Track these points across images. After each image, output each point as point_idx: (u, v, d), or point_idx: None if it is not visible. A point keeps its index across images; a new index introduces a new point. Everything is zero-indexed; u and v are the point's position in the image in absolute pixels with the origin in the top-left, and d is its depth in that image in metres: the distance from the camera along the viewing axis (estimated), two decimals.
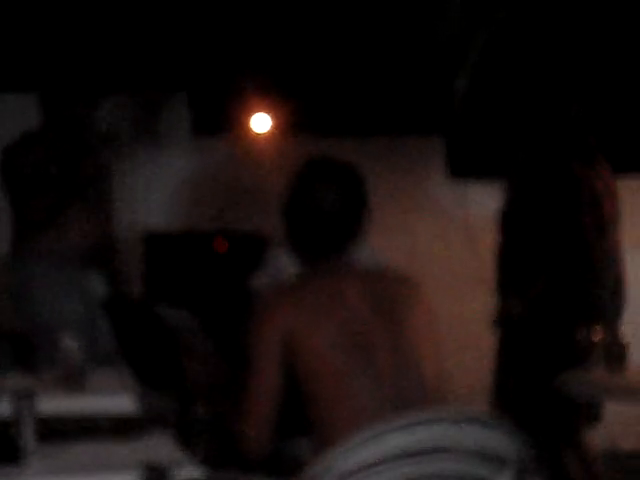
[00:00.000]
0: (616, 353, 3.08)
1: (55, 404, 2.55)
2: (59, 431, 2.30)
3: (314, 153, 2.76)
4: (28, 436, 2.15)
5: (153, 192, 4.81)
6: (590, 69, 4.44)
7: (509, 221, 3.61)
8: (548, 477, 3.57)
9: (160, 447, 2.21)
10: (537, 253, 3.48)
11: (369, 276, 2.30)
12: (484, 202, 4.94)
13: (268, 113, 4.72)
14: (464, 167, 4.93)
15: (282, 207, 2.30)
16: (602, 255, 3.49)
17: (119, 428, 2.33)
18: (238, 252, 4.32)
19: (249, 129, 4.75)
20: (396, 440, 1.91)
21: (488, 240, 4.93)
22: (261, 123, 4.73)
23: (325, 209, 2.23)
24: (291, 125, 4.68)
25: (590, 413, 3.53)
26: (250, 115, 4.71)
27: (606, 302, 3.50)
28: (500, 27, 4.10)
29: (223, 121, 4.72)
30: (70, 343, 3.00)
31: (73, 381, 2.80)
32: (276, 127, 4.74)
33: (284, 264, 3.40)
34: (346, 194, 2.25)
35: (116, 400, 2.72)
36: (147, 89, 4.75)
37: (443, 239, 4.93)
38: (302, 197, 2.26)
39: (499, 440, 1.96)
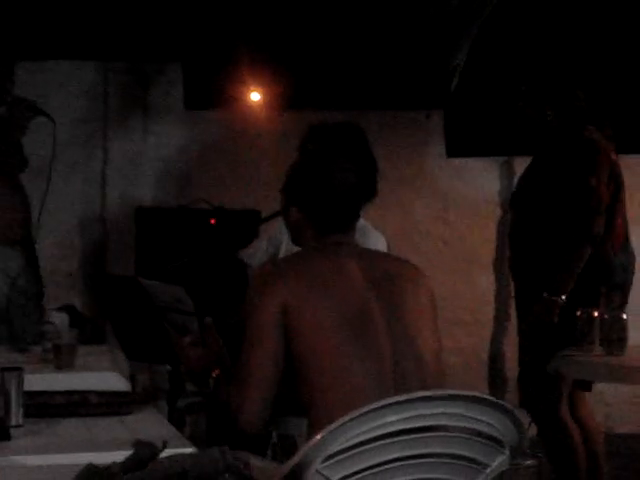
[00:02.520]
0: (615, 333, 3.07)
1: (43, 380, 2.53)
2: (47, 407, 2.27)
3: (307, 128, 2.71)
4: (15, 412, 2.13)
5: (144, 165, 4.78)
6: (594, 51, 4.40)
7: (525, 199, 3.57)
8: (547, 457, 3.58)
9: (150, 424, 2.20)
10: (551, 230, 3.45)
11: (369, 255, 2.29)
12: (481, 180, 4.93)
13: (262, 87, 4.67)
14: (462, 145, 4.90)
15: (291, 180, 2.26)
16: (617, 233, 3.47)
17: (108, 405, 2.31)
18: (230, 226, 4.29)
19: (242, 103, 4.71)
20: (389, 419, 1.89)
21: (485, 219, 4.94)
22: (254, 97, 4.69)
23: (341, 183, 2.20)
24: (284, 99, 4.64)
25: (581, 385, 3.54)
26: (243, 89, 4.67)
27: (611, 281, 3.48)
28: (501, 2, 4.05)
29: (215, 94, 4.67)
30: (59, 318, 2.97)
31: (62, 357, 2.78)
32: (269, 101, 4.69)
33: (276, 238, 3.37)
34: (361, 165, 2.22)
35: (106, 376, 2.70)
36: (142, 59, 4.71)
37: (440, 217, 4.92)
38: (316, 172, 2.22)
39: (495, 421, 1.94)
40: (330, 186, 2.20)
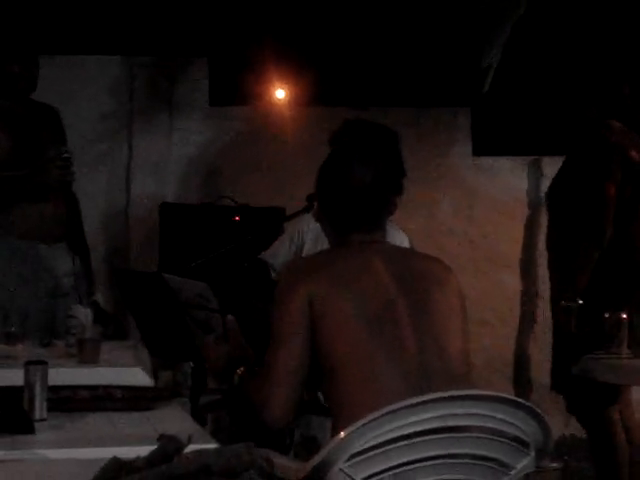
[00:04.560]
0: None
1: (67, 374, 2.54)
2: (71, 402, 2.27)
3: (333, 125, 2.70)
4: (39, 406, 2.13)
5: (169, 161, 4.78)
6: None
7: (560, 198, 3.54)
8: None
9: (174, 420, 2.19)
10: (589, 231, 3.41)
11: (397, 253, 2.28)
12: (508, 179, 4.90)
13: (287, 84, 4.67)
14: (489, 144, 4.87)
15: (320, 178, 2.25)
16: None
17: (132, 400, 2.31)
18: (255, 223, 4.29)
19: (267, 100, 4.70)
20: (413, 418, 1.88)
21: (512, 218, 4.90)
22: (280, 94, 4.68)
23: (366, 181, 2.20)
24: (309, 96, 4.63)
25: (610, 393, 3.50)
26: (268, 85, 4.66)
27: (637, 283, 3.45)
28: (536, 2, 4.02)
29: (240, 91, 4.67)
30: (83, 313, 2.98)
31: (86, 352, 2.78)
32: (295, 98, 4.69)
33: (298, 238, 3.36)
34: (386, 165, 2.21)
35: (129, 372, 2.70)
36: (168, 55, 4.71)
37: (466, 216, 4.89)
38: (335, 170, 2.21)
39: (521, 422, 1.92)
40: (346, 185, 2.19)
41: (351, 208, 2.20)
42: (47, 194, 3.52)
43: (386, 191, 2.23)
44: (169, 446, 1.44)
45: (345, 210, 2.20)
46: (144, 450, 1.58)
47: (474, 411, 1.92)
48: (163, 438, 1.48)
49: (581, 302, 3.29)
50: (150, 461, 1.44)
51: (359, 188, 2.18)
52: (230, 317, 2.32)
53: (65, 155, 3.46)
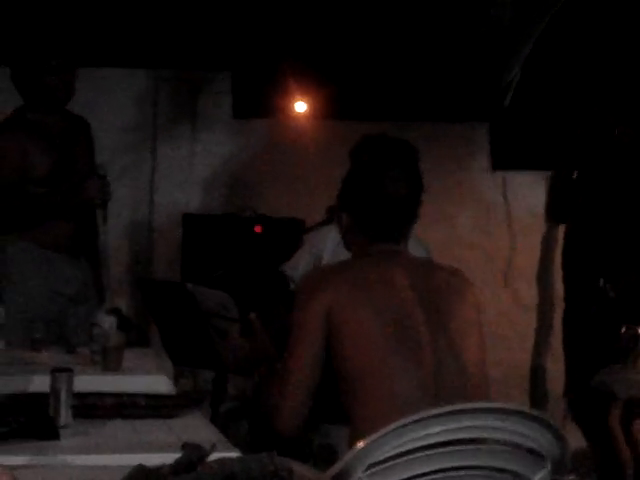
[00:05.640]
0: None
1: (91, 381, 2.57)
2: (96, 408, 2.31)
3: (352, 138, 2.73)
4: (64, 413, 2.16)
5: (192, 173, 4.82)
6: None
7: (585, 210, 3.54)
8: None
9: (196, 427, 2.22)
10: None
11: (418, 265, 2.29)
12: (527, 193, 4.91)
13: (308, 97, 4.70)
14: (508, 158, 4.88)
15: (346, 190, 2.28)
16: None
17: (155, 407, 2.34)
18: (275, 234, 4.32)
19: (288, 112, 4.73)
20: (431, 430, 1.89)
21: (530, 232, 4.91)
22: (301, 107, 4.71)
23: (392, 193, 2.23)
24: (330, 109, 4.66)
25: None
26: (289, 99, 4.70)
27: None
28: (556, 18, 4.03)
29: (263, 104, 4.70)
30: (108, 321, 3.02)
31: (110, 359, 2.82)
32: (315, 111, 4.72)
33: (318, 249, 3.39)
34: (411, 178, 2.25)
35: (152, 379, 2.73)
36: (192, 68, 4.75)
37: (484, 230, 4.90)
38: (368, 181, 2.24)
39: (538, 435, 1.94)
40: (382, 195, 2.22)
41: (386, 218, 2.23)
42: (78, 210, 3.57)
43: (417, 203, 2.27)
44: (193, 454, 1.47)
45: (380, 220, 2.23)
46: (167, 457, 1.61)
47: (491, 423, 1.93)
48: (187, 446, 1.51)
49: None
50: (175, 469, 1.47)
51: (395, 199, 2.22)
52: (252, 315, 2.35)
53: (102, 173, 3.51)
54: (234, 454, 1.79)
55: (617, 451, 3.42)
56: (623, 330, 3.11)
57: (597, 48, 4.38)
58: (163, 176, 4.79)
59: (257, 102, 4.73)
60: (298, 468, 2.01)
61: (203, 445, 1.55)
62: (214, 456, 1.58)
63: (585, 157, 3.62)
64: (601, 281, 3.40)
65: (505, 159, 4.89)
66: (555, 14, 4.11)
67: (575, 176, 3.65)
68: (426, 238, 3.34)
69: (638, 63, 4.16)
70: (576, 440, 4.03)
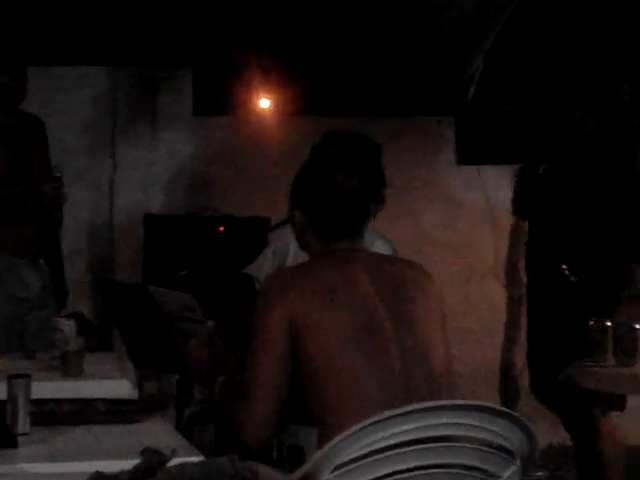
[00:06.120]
0: (628, 343, 3.04)
1: (51, 387, 2.52)
2: (55, 415, 2.26)
3: (318, 134, 2.70)
4: (22, 420, 2.11)
5: (153, 173, 4.78)
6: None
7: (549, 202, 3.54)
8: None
9: (158, 432, 2.18)
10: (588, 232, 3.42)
11: (377, 261, 2.28)
12: (493, 188, 4.91)
13: (272, 94, 4.67)
14: (474, 152, 4.88)
15: (298, 187, 2.25)
16: None
17: (116, 413, 2.29)
18: (239, 233, 4.28)
19: (251, 109, 4.70)
20: (399, 429, 1.87)
21: (497, 227, 4.91)
22: (263, 103, 4.68)
23: (343, 188, 2.20)
24: (294, 105, 4.63)
25: (610, 403, 3.49)
26: (253, 95, 4.66)
27: (631, 291, 3.46)
28: (518, 10, 4.03)
29: (225, 101, 4.67)
30: (67, 326, 2.96)
31: (70, 365, 2.77)
32: (279, 108, 4.69)
33: (283, 249, 3.36)
34: (365, 173, 2.22)
35: (113, 384, 2.69)
36: (151, 65, 4.71)
37: (451, 225, 4.90)
38: (320, 176, 2.21)
39: (507, 432, 1.92)
40: (332, 190, 2.20)
41: (339, 214, 2.20)
42: (34, 213, 3.52)
43: (369, 199, 2.24)
44: (152, 459, 1.43)
45: (333, 216, 2.21)
46: (127, 464, 1.58)
47: (459, 421, 1.91)
48: (146, 452, 1.47)
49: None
50: (133, 475, 1.43)
51: (346, 195, 2.19)
52: (210, 322, 2.32)
53: (58, 174, 3.46)
54: (197, 458, 1.75)
55: (599, 448, 3.42)
56: (591, 323, 3.11)
57: (558, 39, 4.39)
58: (123, 176, 4.74)
59: (219, 99, 4.70)
60: (265, 471, 1.98)
61: (163, 450, 1.51)
62: (176, 461, 1.54)
63: (550, 149, 3.62)
64: (563, 267, 3.41)
65: (471, 153, 4.89)
66: (517, 6, 4.12)
67: (541, 171, 3.64)
68: (392, 234, 3.31)
69: (599, 51, 4.18)
70: (547, 436, 4.04)
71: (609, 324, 3.08)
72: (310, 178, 2.24)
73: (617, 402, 3.48)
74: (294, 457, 2.96)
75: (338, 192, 2.19)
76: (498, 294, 4.90)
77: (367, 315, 2.12)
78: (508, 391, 4.88)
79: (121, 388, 2.66)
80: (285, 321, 2.10)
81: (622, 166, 3.45)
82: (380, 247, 3.13)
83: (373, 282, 2.16)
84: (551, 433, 3.70)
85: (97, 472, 1.49)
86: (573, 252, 3.45)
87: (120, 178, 4.75)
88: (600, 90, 3.52)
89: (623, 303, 3.41)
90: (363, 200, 2.23)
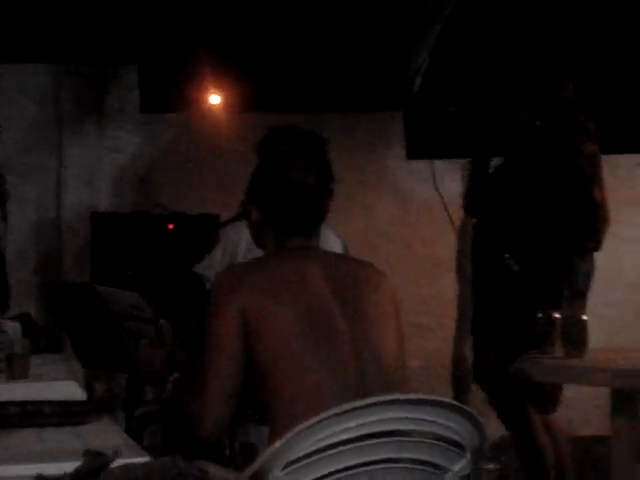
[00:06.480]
0: (575, 335, 3.07)
1: None
2: (0, 418, 2.21)
3: (268, 131, 2.68)
4: None
5: (101, 170, 4.72)
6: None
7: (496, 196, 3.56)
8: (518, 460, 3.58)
9: (105, 433, 2.15)
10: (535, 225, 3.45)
11: (331, 259, 2.27)
12: (443, 182, 4.93)
13: (221, 89, 4.64)
14: (423, 147, 4.90)
15: (254, 184, 2.23)
16: (603, 235, 3.48)
17: (62, 415, 2.25)
18: (188, 231, 4.25)
19: (201, 105, 4.66)
20: (349, 424, 1.86)
21: (447, 221, 4.93)
22: (213, 99, 4.65)
23: (301, 185, 2.20)
24: (244, 101, 4.61)
25: (549, 395, 3.53)
26: (203, 91, 4.63)
27: (574, 287, 3.49)
28: (463, 2, 4.04)
29: (173, 97, 4.63)
30: (12, 328, 2.91)
31: (15, 367, 2.72)
32: (230, 104, 4.66)
33: (232, 245, 3.33)
34: (319, 169, 2.21)
35: (60, 386, 2.65)
36: (97, 62, 4.65)
37: (402, 220, 4.91)
38: (277, 173, 2.20)
39: (457, 425, 1.92)
40: (291, 187, 2.19)
41: (296, 210, 2.20)
42: None
43: (326, 195, 2.23)
44: (95, 461, 1.40)
45: (290, 212, 2.20)
46: (71, 466, 1.55)
47: (410, 415, 1.91)
48: (89, 453, 1.44)
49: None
50: (76, 477, 1.40)
51: (304, 190, 2.19)
52: (162, 321, 2.29)
53: None
54: (143, 459, 1.72)
55: (536, 439, 3.46)
56: (539, 315, 3.13)
57: (503, 33, 4.42)
58: (70, 174, 4.69)
59: (166, 95, 4.65)
60: (215, 470, 1.96)
61: (106, 451, 1.48)
62: (120, 462, 1.51)
63: (498, 147, 3.65)
64: (505, 256, 3.44)
65: (421, 148, 4.90)
66: (463, 3, 4.13)
67: (491, 170, 3.67)
68: (344, 229, 3.32)
69: (543, 51, 4.22)
70: (499, 428, 4.06)
71: (557, 316, 3.10)
72: (268, 175, 2.22)
73: (552, 395, 3.53)
74: (247, 455, 2.94)
75: (297, 189, 2.19)
76: (450, 288, 4.92)
77: (320, 311, 2.12)
78: (460, 384, 4.91)
79: (68, 390, 2.63)
80: (236, 317, 2.09)
81: (567, 161, 3.48)
82: (332, 242, 3.12)
83: (326, 279, 2.15)
84: (503, 425, 3.72)
85: (39, 475, 1.45)
86: (516, 243, 3.48)
87: (67, 176, 4.70)
88: (545, 89, 3.56)
89: (567, 298, 3.43)
90: (320, 197, 2.22)
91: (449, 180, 4.90)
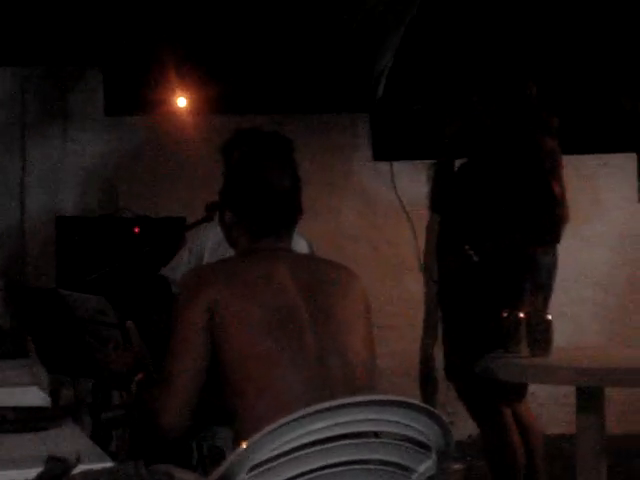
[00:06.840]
0: (540, 334, 3.08)
1: None
2: None
3: (233, 132, 2.67)
4: None
5: (64, 174, 4.69)
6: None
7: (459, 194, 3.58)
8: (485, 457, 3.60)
9: (69, 439, 2.13)
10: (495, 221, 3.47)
11: (301, 260, 2.29)
12: (409, 184, 4.95)
13: (187, 92, 4.62)
14: (388, 149, 4.91)
15: (228, 186, 2.22)
16: (561, 227, 3.51)
17: (26, 421, 2.23)
18: (155, 234, 4.23)
19: (167, 108, 4.65)
20: (315, 426, 1.86)
21: (413, 222, 4.95)
22: (180, 102, 4.63)
23: (277, 187, 2.21)
24: (211, 103, 4.59)
25: (515, 392, 3.55)
26: (169, 94, 4.61)
27: (536, 282, 3.51)
28: (426, 4, 4.06)
29: (138, 100, 4.60)
30: None
31: None
32: (196, 106, 4.64)
33: (198, 246, 3.33)
34: (291, 170, 2.22)
35: (25, 391, 2.62)
36: (60, 64, 4.61)
37: (369, 221, 4.92)
38: (252, 176, 2.20)
39: (423, 426, 1.92)
40: (268, 189, 2.19)
41: (272, 213, 2.20)
42: None
43: (299, 196, 2.24)
44: (57, 467, 1.38)
45: (265, 215, 2.20)
46: (33, 473, 1.53)
47: (375, 416, 1.91)
48: (50, 459, 1.43)
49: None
50: None
51: (281, 192, 2.20)
52: (129, 322, 2.28)
53: None
54: (106, 465, 1.71)
55: (507, 437, 3.47)
56: (505, 314, 3.15)
57: (466, 33, 4.45)
58: (34, 178, 4.65)
59: (131, 98, 4.63)
60: (180, 474, 1.95)
61: (68, 457, 1.46)
62: (82, 468, 1.50)
63: (462, 146, 3.67)
64: (466, 247, 3.47)
65: (386, 149, 4.92)
66: (426, 4, 4.16)
67: (456, 169, 3.68)
68: (310, 230, 3.31)
69: (506, 50, 4.26)
70: (467, 426, 4.08)
71: (522, 315, 3.12)
72: (241, 177, 2.22)
73: (517, 392, 3.55)
74: (214, 458, 2.93)
75: (272, 191, 2.19)
76: (417, 288, 4.94)
77: (286, 310, 2.12)
78: (428, 384, 4.93)
79: (32, 395, 2.59)
80: (204, 313, 2.09)
81: (527, 156, 3.51)
82: (296, 242, 3.12)
83: (294, 279, 2.15)
84: (471, 424, 3.74)
85: None
86: (477, 234, 3.50)
87: (31, 180, 4.66)
88: (508, 87, 3.58)
89: (529, 292, 3.46)
90: (294, 197, 2.22)
91: (410, 181, 4.92)
